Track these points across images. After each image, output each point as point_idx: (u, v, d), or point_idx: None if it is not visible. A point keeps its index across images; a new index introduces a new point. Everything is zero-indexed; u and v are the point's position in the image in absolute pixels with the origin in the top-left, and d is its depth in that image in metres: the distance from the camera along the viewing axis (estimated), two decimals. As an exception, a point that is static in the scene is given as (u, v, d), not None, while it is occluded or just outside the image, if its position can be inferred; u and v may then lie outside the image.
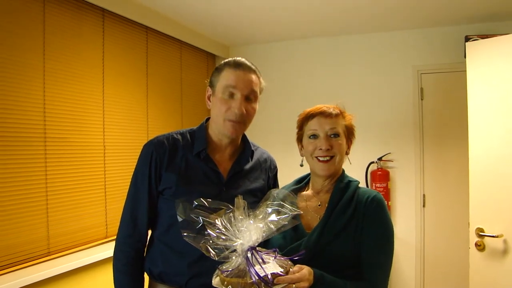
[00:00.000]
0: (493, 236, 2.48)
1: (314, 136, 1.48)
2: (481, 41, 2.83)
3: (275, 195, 1.29)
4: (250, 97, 1.50)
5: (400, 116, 3.76)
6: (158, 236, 1.54)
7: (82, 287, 2.53)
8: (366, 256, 1.37)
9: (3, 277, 2.12)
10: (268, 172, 1.70)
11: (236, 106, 1.46)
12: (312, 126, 1.49)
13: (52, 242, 2.45)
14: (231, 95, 1.48)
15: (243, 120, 1.50)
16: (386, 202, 1.46)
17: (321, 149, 1.45)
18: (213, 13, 3.26)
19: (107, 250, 2.65)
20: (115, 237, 1.56)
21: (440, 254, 3.62)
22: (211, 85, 1.55)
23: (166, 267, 1.50)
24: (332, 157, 1.46)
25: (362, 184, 3.71)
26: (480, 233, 2.54)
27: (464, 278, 2.80)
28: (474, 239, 2.57)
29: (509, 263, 2.44)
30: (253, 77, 1.51)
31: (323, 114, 1.47)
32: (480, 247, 2.54)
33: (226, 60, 1.55)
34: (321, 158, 1.46)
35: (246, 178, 1.60)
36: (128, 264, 1.50)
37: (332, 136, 1.46)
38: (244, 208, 1.24)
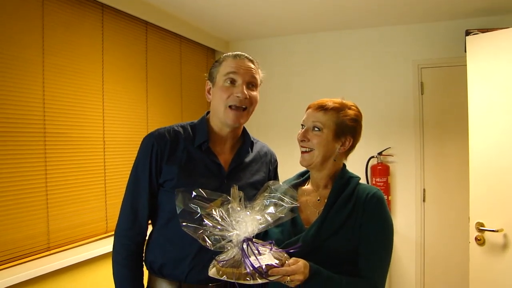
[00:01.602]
0: (493, 231, 2.48)
1: (302, 127, 1.50)
2: (481, 35, 2.81)
3: (272, 187, 1.30)
4: (251, 84, 1.51)
5: (400, 111, 3.75)
6: (158, 229, 1.55)
7: (82, 282, 2.54)
8: (364, 252, 1.37)
9: (3, 272, 2.13)
10: (269, 165, 1.71)
11: (239, 90, 1.47)
12: (304, 117, 1.51)
13: (52, 237, 2.45)
14: (233, 82, 1.49)
15: (246, 105, 1.51)
16: (386, 198, 1.46)
17: (299, 139, 1.49)
18: (213, 8, 3.25)
19: (107, 245, 2.65)
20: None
21: (440, 249, 3.63)
22: (211, 77, 1.56)
23: (166, 261, 1.50)
24: (311, 149, 1.46)
25: (362, 179, 3.71)
26: (480, 227, 2.54)
27: (464, 273, 2.81)
28: (474, 233, 2.57)
29: (509, 258, 2.44)
30: (253, 65, 1.53)
31: (314, 106, 1.48)
32: (480, 241, 2.54)
33: (225, 54, 1.57)
34: (301, 149, 1.49)
35: (247, 171, 1.60)
36: (128, 257, 1.50)
37: (313, 129, 1.46)
38: (240, 199, 1.25)
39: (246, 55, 1.55)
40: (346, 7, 3.28)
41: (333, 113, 1.45)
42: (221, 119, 1.53)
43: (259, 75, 1.57)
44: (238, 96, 1.47)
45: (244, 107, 1.51)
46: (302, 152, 1.49)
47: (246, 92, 1.48)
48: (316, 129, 1.45)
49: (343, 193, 1.43)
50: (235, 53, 1.54)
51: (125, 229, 1.52)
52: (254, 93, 1.53)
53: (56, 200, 2.47)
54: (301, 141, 1.47)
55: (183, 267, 1.47)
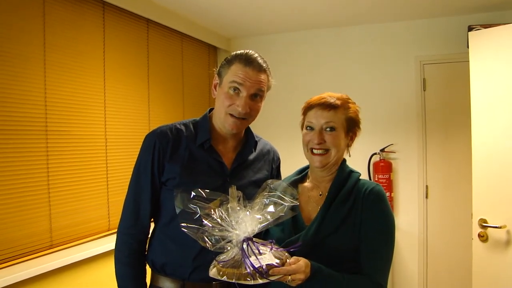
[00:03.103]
0: (496, 227, 2.47)
1: (310, 128, 1.46)
2: (484, 30, 2.80)
3: (271, 186, 1.29)
4: (256, 96, 1.48)
5: (402, 107, 3.73)
6: (160, 228, 1.54)
7: (84, 279, 2.54)
8: (365, 250, 1.35)
9: (6, 270, 2.13)
10: (272, 163, 1.69)
11: (240, 104, 1.44)
12: (310, 117, 1.46)
13: (55, 235, 2.45)
14: (237, 92, 1.46)
15: (246, 117, 1.49)
16: (386, 193, 1.44)
17: (315, 142, 1.44)
18: (215, 4, 3.24)
19: (110, 242, 2.65)
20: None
21: (443, 245, 3.62)
22: (219, 75, 1.53)
23: (169, 259, 1.50)
24: (327, 150, 1.43)
25: (365, 176, 3.71)
26: (483, 224, 2.53)
27: (467, 269, 2.80)
28: (477, 230, 2.57)
29: (512, 254, 2.44)
30: (263, 76, 1.48)
31: (321, 106, 1.44)
32: (483, 238, 2.53)
33: (238, 52, 1.50)
34: (315, 151, 1.45)
35: (250, 169, 1.59)
36: (130, 255, 1.50)
37: (327, 129, 1.43)
38: (239, 199, 1.24)
39: (259, 60, 1.48)
40: (347, 3, 3.27)
41: (342, 110, 1.44)
42: (221, 122, 1.52)
43: (268, 83, 1.52)
44: (238, 110, 1.45)
45: (244, 117, 1.49)
46: (317, 154, 1.44)
47: (247, 106, 1.45)
48: (331, 129, 1.42)
49: (343, 188, 1.42)
50: (248, 56, 1.47)
51: (127, 227, 1.52)
52: (257, 104, 1.50)
53: (58, 197, 2.47)
54: (319, 143, 1.43)
55: (186, 266, 1.46)
